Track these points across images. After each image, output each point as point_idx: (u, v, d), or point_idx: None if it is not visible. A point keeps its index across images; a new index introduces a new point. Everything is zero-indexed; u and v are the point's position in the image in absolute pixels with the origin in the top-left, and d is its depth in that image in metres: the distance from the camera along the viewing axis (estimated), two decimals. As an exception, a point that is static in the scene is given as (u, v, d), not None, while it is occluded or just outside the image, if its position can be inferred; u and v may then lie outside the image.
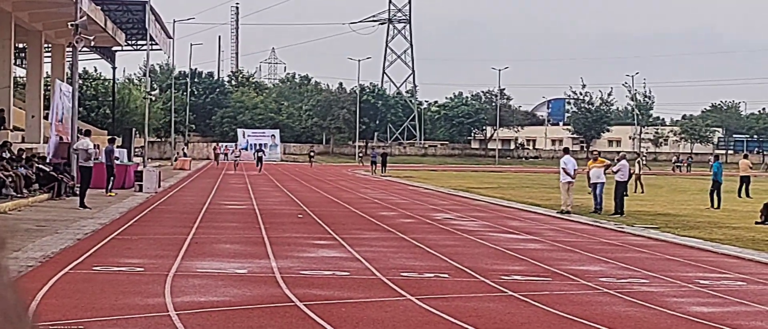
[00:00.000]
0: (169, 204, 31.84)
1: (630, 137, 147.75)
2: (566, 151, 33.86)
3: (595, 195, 31.95)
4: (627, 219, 28.93)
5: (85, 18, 34.82)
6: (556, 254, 19.28)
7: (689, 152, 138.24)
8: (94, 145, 34.83)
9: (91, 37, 35.87)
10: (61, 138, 37.18)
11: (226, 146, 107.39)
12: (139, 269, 15.11)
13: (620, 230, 25.62)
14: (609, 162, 32.90)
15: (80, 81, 55.43)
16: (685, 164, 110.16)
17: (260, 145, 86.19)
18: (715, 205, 35.79)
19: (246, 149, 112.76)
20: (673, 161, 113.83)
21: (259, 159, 77.77)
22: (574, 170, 31.73)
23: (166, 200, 33.75)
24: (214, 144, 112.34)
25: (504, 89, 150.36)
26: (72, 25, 33.83)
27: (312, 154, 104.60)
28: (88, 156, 29.13)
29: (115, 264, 15.66)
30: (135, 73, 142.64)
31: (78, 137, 31.49)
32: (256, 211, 29.34)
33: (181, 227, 22.98)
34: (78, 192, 29.38)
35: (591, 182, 32.13)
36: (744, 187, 43.33)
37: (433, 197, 40.69)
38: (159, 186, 39.83)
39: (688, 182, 67.09)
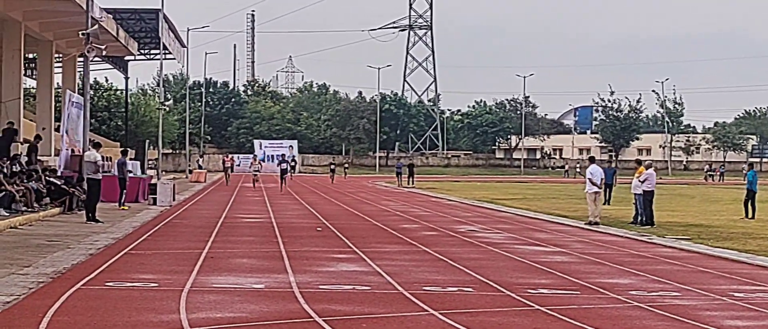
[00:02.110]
0: (183, 218, 31.35)
1: (660, 146, 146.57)
2: (592, 160, 33.32)
3: (636, 205, 31.35)
4: (658, 230, 28.27)
5: (96, 27, 34.39)
6: (584, 266, 18.76)
7: (722, 160, 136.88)
8: (106, 157, 34.42)
9: (103, 47, 35.42)
10: (72, 151, 36.75)
11: (232, 158, 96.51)
12: (153, 284, 14.76)
13: (651, 241, 25.00)
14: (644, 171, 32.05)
15: (92, 92, 55.06)
16: (718, 173, 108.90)
17: (284, 154, 65.85)
18: (750, 215, 35.04)
19: (264, 160, 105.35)
20: (705, 170, 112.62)
21: (284, 173, 60.19)
22: (601, 179, 31.10)
23: (180, 214, 33.27)
24: (223, 156, 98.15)
25: (529, 97, 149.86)
26: (83, 34, 33.39)
27: (334, 166, 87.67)
28: (96, 168, 28.65)
29: (129, 279, 15.30)
30: (148, 84, 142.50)
31: (89, 149, 31.02)
32: (273, 224, 28.81)
33: (197, 241, 22.48)
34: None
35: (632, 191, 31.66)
36: None
37: (456, 209, 40.12)
38: (173, 199, 39.37)
39: (721, 192, 66.34)
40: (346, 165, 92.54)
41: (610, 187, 43.04)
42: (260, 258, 19.08)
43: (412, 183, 71.05)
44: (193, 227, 27.34)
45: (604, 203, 39.35)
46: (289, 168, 59.99)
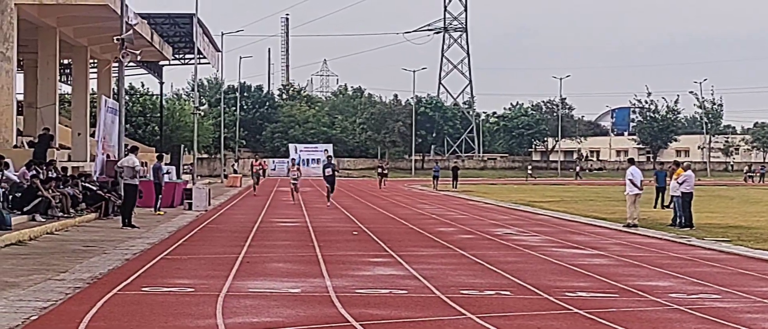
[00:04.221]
0: (219, 223, 31.32)
1: (699, 147, 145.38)
2: (631, 161, 33.11)
3: (675, 208, 31.09)
4: (696, 232, 27.97)
5: (130, 32, 34.47)
6: (622, 269, 18.59)
7: (762, 161, 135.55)
8: (142, 162, 34.47)
9: (138, 52, 35.54)
10: (108, 156, 36.86)
11: (263, 162, 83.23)
12: (189, 289, 14.74)
13: (690, 243, 24.74)
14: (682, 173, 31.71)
15: (127, 97, 55.22)
16: (758, 174, 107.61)
17: (329, 156, 46.58)
18: None
19: (300, 164, 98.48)
20: (744, 170, 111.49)
21: (331, 181, 43.97)
22: (641, 180, 30.85)
23: (216, 219, 33.24)
24: (252, 160, 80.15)
25: (565, 99, 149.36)
26: (117, 39, 33.47)
27: (382, 170, 77.27)
28: (134, 173, 28.66)
29: (165, 284, 15.30)
30: (183, 89, 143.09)
31: (126, 154, 31.10)
32: (309, 228, 28.74)
33: (232, 246, 22.43)
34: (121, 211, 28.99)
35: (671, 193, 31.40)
36: None
37: (492, 212, 39.91)
38: (209, 204, 39.39)
39: (761, 193, 65.75)
40: (386, 172, 78.20)
41: (662, 190, 42.12)
42: (296, 262, 19.01)
43: (456, 186, 70.74)
44: (228, 231, 27.31)
45: (662, 207, 39.12)
46: (333, 174, 44.13)
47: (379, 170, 78.26)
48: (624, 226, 30.25)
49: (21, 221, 25.61)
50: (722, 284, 16.30)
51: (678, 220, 30.43)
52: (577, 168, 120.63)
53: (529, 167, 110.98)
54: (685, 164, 32.20)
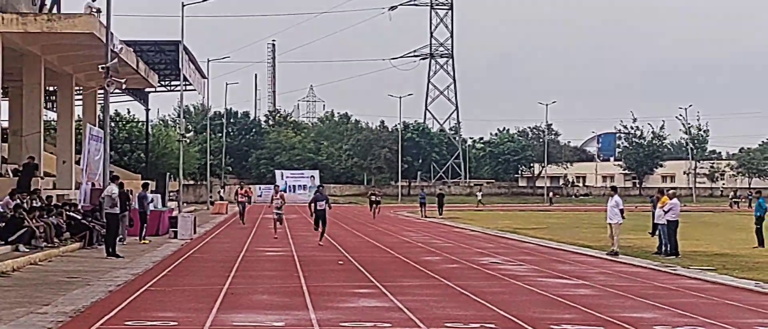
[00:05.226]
0: (204, 252, 31.22)
1: (684, 173, 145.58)
2: (614, 189, 32.98)
3: (660, 235, 31.07)
4: (682, 261, 27.97)
5: (116, 61, 34.39)
6: (607, 300, 18.59)
7: (747, 186, 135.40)
8: (128, 190, 34.38)
9: (123, 80, 35.43)
10: (92, 184, 36.73)
11: (249, 189, 73.79)
12: (173, 323, 14.74)
13: (675, 272, 24.72)
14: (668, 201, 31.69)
15: (112, 123, 54.97)
16: (744, 199, 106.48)
17: (319, 187, 40.20)
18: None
19: (286, 190, 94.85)
20: (730, 196, 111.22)
21: (321, 216, 34.56)
22: (620, 209, 30.80)
23: (201, 248, 33.12)
24: (237, 187, 75.12)
25: (551, 124, 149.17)
26: (103, 68, 33.39)
27: (375, 197, 72.01)
28: (113, 203, 28.62)
29: (149, 318, 15.25)
30: (169, 114, 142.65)
31: (110, 183, 31.05)
32: (294, 258, 28.63)
33: (217, 276, 22.36)
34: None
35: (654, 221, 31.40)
36: None
37: (478, 240, 39.84)
38: (194, 232, 39.25)
39: (746, 219, 65.55)
40: (379, 199, 72.72)
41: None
42: (281, 294, 18.95)
43: (441, 213, 70.43)
44: (213, 261, 27.24)
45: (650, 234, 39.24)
46: (327, 207, 35.29)
47: (372, 197, 73.52)
48: (607, 253, 30.25)
49: (4, 252, 25.48)
50: (708, 315, 16.28)
51: (663, 248, 30.42)
52: (550, 194, 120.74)
53: (480, 193, 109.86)
54: (670, 191, 32.22)
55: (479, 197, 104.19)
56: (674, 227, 30.43)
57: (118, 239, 29.54)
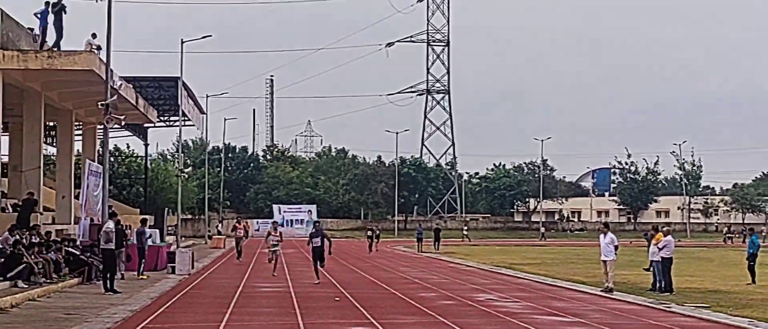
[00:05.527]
0: (202, 288, 31.31)
1: (678, 208, 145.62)
2: (606, 226, 33.07)
3: (654, 272, 31.22)
4: (676, 298, 28.13)
5: (115, 97, 34.63)
6: (602, 338, 18.64)
7: (741, 221, 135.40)
8: (125, 226, 34.52)
9: (122, 117, 35.68)
10: (91, 220, 36.88)
11: (246, 223, 75.53)
12: (169, 360, 14.71)
13: (669, 310, 24.84)
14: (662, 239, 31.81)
15: (111, 158, 55.08)
16: (738, 235, 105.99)
17: (316, 223, 38.60)
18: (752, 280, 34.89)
19: (283, 225, 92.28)
20: (724, 231, 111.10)
21: (318, 254, 33.62)
22: (615, 246, 30.97)
23: (198, 284, 33.19)
24: (235, 222, 69.06)
25: (547, 160, 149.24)
26: (102, 105, 33.62)
27: (373, 233, 69.45)
28: (108, 238, 28.81)
29: (145, 355, 15.26)
30: (168, 149, 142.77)
31: (109, 218, 31.23)
32: (291, 294, 28.73)
33: (214, 313, 22.47)
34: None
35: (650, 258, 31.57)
36: None
37: (474, 276, 39.94)
38: (192, 267, 39.27)
39: (740, 255, 65.52)
40: (378, 233, 70.91)
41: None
42: (277, 332, 19.04)
43: (438, 248, 70.40)
44: (210, 297, 27.33)
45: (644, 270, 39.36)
46: (326, 244, 34.09)
47: (369, 231, 70.92)
48: (602, 290, 30.40)
49: (3, 288, 25.62)
50: (700, 354, 16.42)
51: (658, 284, 30.56)
52: (542, 230, 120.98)
53: (465, 227, 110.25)
54: (665, 228, 32.37)
55: (465, 232, 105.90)
56: (669, 264, 30.59)
57: (116, 274, 29.68)
